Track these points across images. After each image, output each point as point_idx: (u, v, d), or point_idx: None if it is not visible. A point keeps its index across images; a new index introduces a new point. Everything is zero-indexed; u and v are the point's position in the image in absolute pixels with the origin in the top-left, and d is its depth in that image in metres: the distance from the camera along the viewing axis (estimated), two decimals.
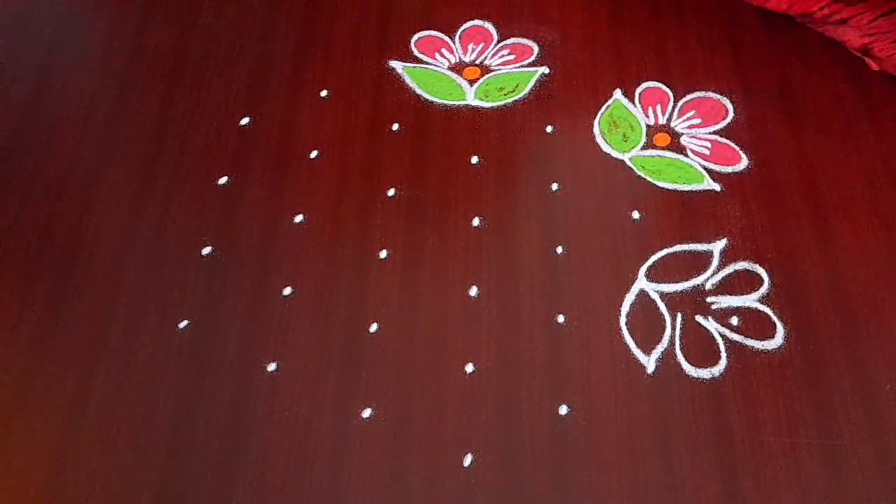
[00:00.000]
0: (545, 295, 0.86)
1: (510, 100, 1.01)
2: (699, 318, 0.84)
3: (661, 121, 0.98)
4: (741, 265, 0.87)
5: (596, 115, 0.99)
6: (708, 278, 0.87)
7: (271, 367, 0.83)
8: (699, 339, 0.83)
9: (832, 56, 1.00)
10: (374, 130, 0.99)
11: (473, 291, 0.87)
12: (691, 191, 0.93)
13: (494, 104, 1.00)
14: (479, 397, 0.81)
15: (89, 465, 0.79)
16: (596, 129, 0.98)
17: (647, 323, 0.84)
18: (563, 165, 0.95)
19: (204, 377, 0.83)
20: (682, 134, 0.97)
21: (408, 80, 1.03)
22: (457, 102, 1.01)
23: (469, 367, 0.82)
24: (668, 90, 1.00)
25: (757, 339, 0.83)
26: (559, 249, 0.89)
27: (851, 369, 0.81)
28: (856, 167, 0.93)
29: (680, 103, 0.99)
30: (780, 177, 0.92)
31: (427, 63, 1.04)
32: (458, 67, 1.04)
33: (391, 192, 0.94)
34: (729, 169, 0.94)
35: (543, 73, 1.03)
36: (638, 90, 1.00)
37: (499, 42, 1.06)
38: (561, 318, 0.85)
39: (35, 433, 0.81)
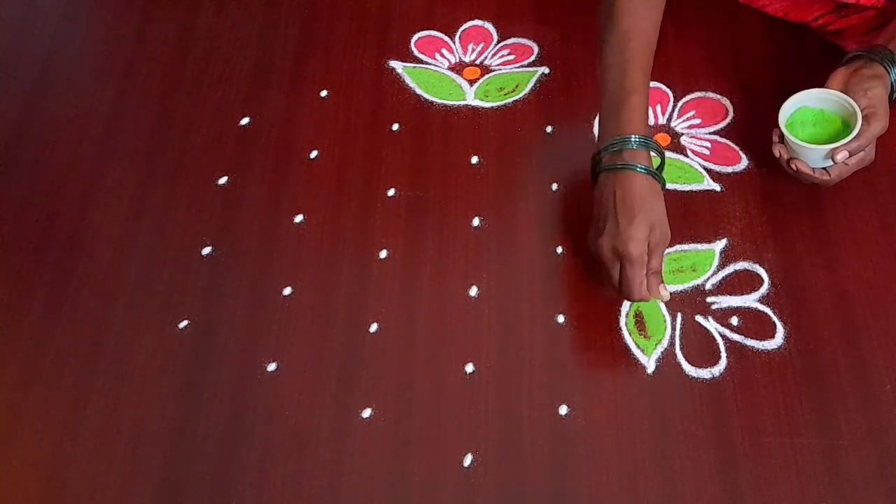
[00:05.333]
0: (545, 295, 0.86)
1: (510, 100, 1.00)
2: (699, 318, 0.84)
3: (661, 121, 0.98)
4: (741, 265, 0.87)
5: (596, 115, 0.98)
6: (708, 278, 0.87)
7: (271, 367, 0.83)
8: (699, 339, 0.83)
9: (831, 57, 1.00)
10: (374, 130, 0.99)
11: (473, 291, 0.87)
12: (691, 191, 0.92)
13: (494, 104, 1.00)
14: (479, 397, 0.81)
15: (89, 465, 0.79)
16: (596, 129, 0.97)
17: (647, 323, 0.84)
18: (563, 165, 0.95)
19: (204, 377, 0.83)
20: (682, 134, 0.97)
21: (408, 80, 1.03)
22: (457, 102, 1.01)
23: (469, 367, 0.82)
24: (668, 90, 1.00)
25: (757, 339, 0.83)
26: (559, 249, 0.89)
27: (851, 369, 0.81)
28: None
29: (680, 103, 0.99)
30: (780, 177, 0.92)
31: (427, 63, 1.04)
32: (458, 67, 1.04)
33: (391, 192, 0.94)
34: (729, 169, 0.94)
35: (543, 73, 1.02)
36: None
37: (499, 42, 1.06)
38: (561, 318, 0.85)
39: (35, 433, 0.81)
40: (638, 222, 0.78)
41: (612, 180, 0.80)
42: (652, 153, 0.82)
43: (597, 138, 0.85)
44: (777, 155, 0.85)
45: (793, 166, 0.84)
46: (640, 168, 0.80)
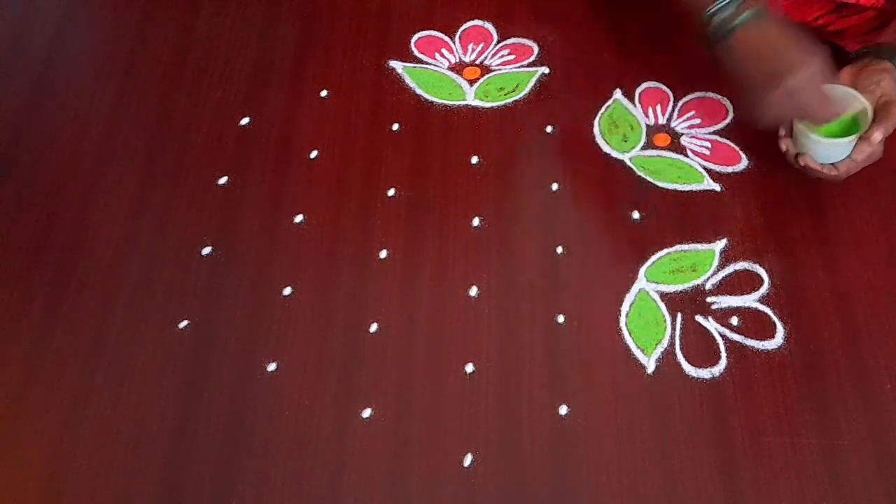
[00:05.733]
0: (545, 295, 0.86)
1: (510, 100, 1.00)
2: (699, 318, 0.84)
3: (661, 121, 0.98)
4: (741, 265, 0.87)
5: (596, 115, 0.99)
6: (708, 278, 0.87)
7: (271, 367, 0.83)
8: (699, 339, 0.83)
9: (831, 57, 1.00)
10: (374, 130, 0.99)
11: (473, 291, 0.87)
12: (691, 191, 0.92)
13: (494, 104, 1.00)
14: (479, 397, 0.81)
15: (89, 465, 0.79)
16: (596, 129, 0.97)
17: (647, 323, 0.84)
18: (563, 165, 0.95)
19: (204, 377, 0.83)
20: (682, 134, 0.97)
21: (408, 80, 1.03)
22: (457, 102, 1.01)
23: (469, 367, 0.82)
24: (668, 90, 1.00)
25: (757, 339, 0.83)
26: (559, 249, 0.89)
27: (851, 369, 0.81)
28: None
29: (680, 103, 0.99)
30: (780, 177, 0.92)
31: (427, 63, 1.04)
32: (458, 67, 1.04)
33: (391, 192, 0.94)
34: (729, 169, 0.94)
35: (543, 73, 1.02)
36: (638, 90, 1.00)
37: (499, 42, 1.06)
38: (561, 318, 0.85)
39: (35, 433, 0.81)
40: (803, 57, 0.77)
41: (753, 31, 0.78)
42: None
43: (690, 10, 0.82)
44: (784, 149, 0.85)
45: (800, 162, 0.84)
46: (764, 13, 0.78)
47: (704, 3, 0.81)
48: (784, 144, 0.85)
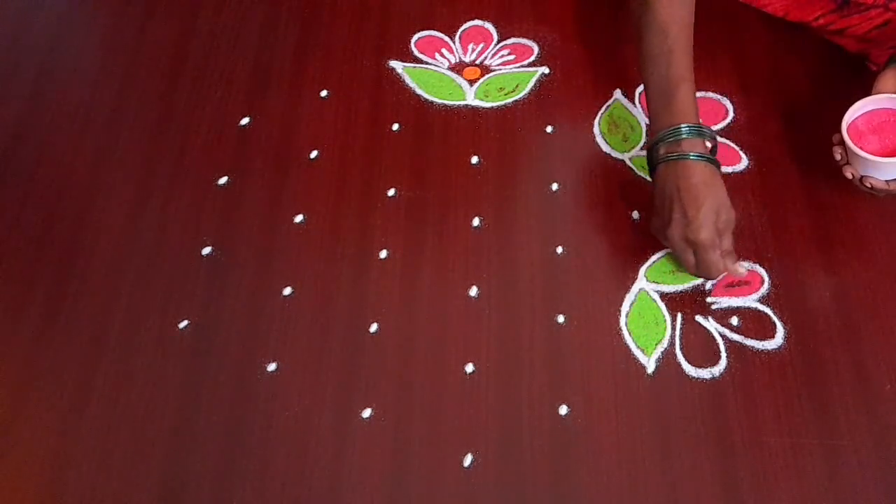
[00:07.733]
0: (545, 295, 0.86)
1: (510, 100, 1.00)
2: (699, 318, 0.84)
3: None
4: (741, 265, 0.87)
5: (596, 115, 0.99)
6: None
7: (271, 367, 0.83)
8: (699, 339, 0.83)
9: (832, 56, 1.00)
10: (374, 130, 0.99)
11: (473, 291, 0.87)
12: None
13: (494, 104, 1.00)
14: (479, 397, 0.81)
15: (89, 464, 0.79)
16: (596, 129, 0.98)
17: (646, 323, 0.84)
18: (563, 165, 0.95)
19: (204, 377, 0.83)
20: None
21: (408, 80, 1.03)
22: (457, 102, 1.01)
23: (469, 367, 0.82)
24: None
25: (757, 339, 0.83)
26: (559, 249, 0.89)
27: (851, 369, 0.81)
28: None
29: None
30: (780, 177, 0.92)
31: (427, 63, 1.04)
32: (458, 67, 1.04)
33: (391, 192, 0.94)
34: (729, 169, 0.94)
35: (543, 73, 1.02)
36: (638, 90, 1.00)
37: (499, 42, 1.06)
38: (561, 318, 0.85)
39: (35, 433, 0.81)
40: (705, 209, 0.79)
41: (673, 171, 0.82)
42: (706, 140, 0.83)
43: (648, 128, 0.86)
44: (849, 177, 0.83)
45: (867, 184, 0.82)
46: (697, 156, 0.81)
47: (660, 127, 0.84)
48: (848, 173, 0.83)
